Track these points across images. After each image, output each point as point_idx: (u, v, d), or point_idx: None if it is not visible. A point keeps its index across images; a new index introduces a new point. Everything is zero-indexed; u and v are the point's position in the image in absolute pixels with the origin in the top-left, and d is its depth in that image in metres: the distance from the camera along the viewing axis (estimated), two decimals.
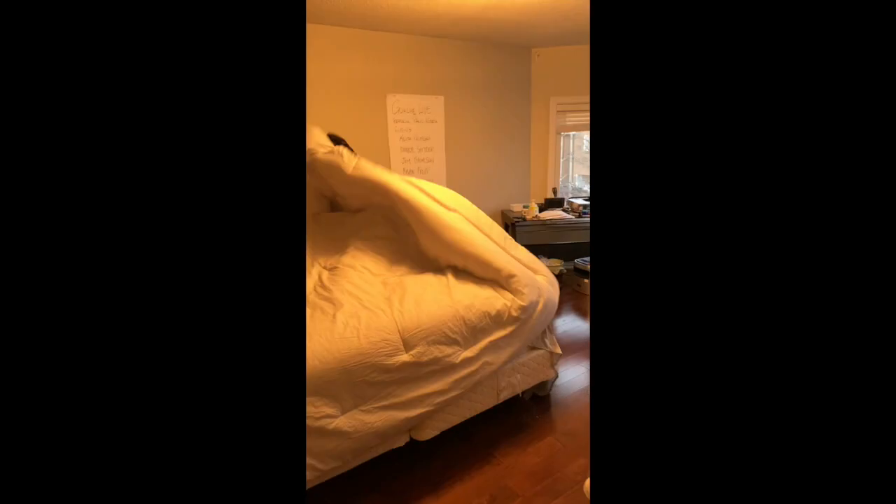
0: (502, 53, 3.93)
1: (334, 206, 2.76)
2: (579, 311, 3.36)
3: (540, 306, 1.86)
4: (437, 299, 1.73)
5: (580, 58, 3.96)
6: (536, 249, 4.17)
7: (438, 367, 1.65)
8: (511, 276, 1.82)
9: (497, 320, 1.78)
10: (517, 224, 3.78)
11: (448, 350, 1.67)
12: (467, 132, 3.89)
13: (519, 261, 1.92)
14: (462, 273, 1.94)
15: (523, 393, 2.09)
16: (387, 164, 3.51)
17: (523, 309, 1.80)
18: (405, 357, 1.57)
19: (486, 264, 1.84)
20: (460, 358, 1.70)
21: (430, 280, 1.89)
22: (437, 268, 2.01)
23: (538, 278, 1.92)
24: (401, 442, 1.66)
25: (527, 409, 2.10)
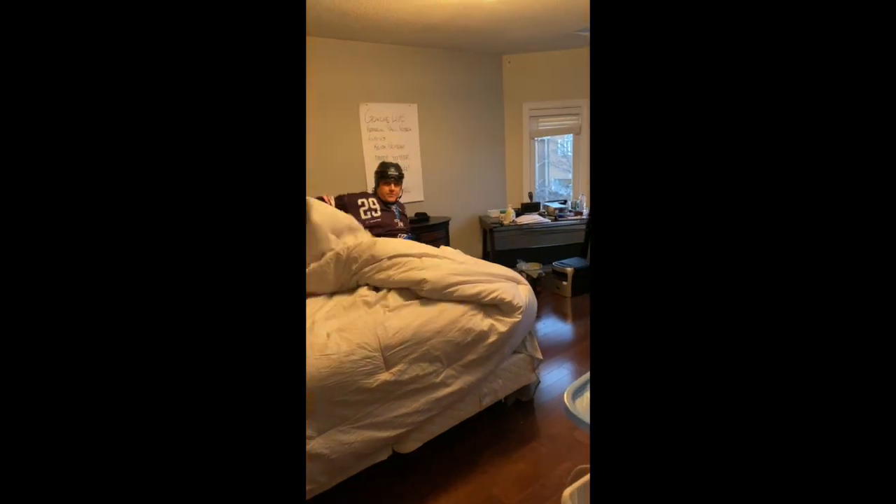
0: (473, 61, 3.96)
1: None
2: (559, 314, 3.38)
3: (522, 318, 1.84)
4: (421, 315, 1.68)
5: (550, 63, 4.02)
6: (514, 254, 4.21)
7: (420, 386, 1.61)
8: (492, 292, 1.79)
9: (482, 337, 1.75)
10: (495, 229, 3.79)
11: (430, 368, 1.64)
12: (442, 139, 3.89)
13: (496, 275, 1.91)
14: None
15: (506, 398, 2.07)
16: (361, 173, 3.49)
17: (509, 326, 1.78)
18: (386, 375, 1.53)
19: (469, 296, 1.78)
20: (441, 377, 1.66)
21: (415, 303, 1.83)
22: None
23: (520, 288, 1.92)
24: (383, 456, 1.63)
25: (510, 415, 2.09)
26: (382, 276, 1.84)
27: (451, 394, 1.68)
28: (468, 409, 1.84)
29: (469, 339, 1.71)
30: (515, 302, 1.81)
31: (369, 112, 3.45)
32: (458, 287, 1.74)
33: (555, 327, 3.13)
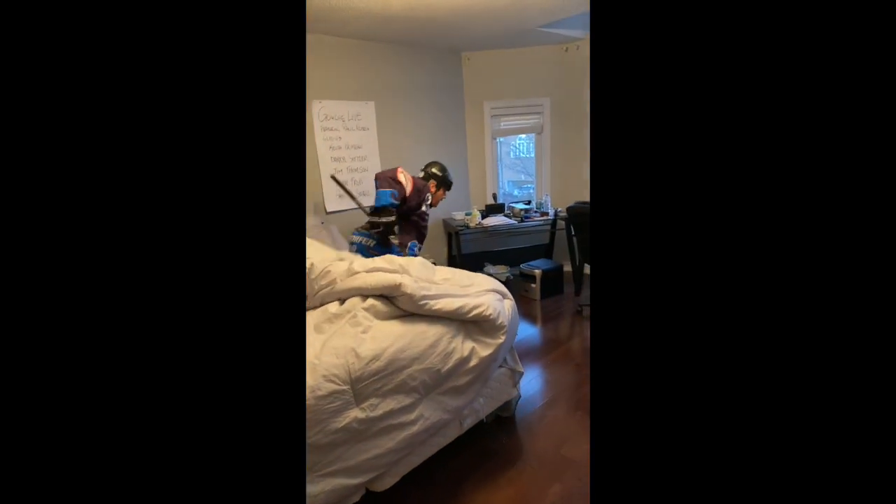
0: (433, 57, 3.79)
1: None
2: (529, 317, 3.28)
3: (505, 339, 1.68)
4: (399, 337, 1.47)
5: (511, 61, 3.93)
6: (481, 257, 4.08)
7: (395, 422, 1.40)
8: (475, 308, 1.60)
9: (463, 362, 1.57)
10: (461, 232, 3.64)
11: (406, 400, 1.43)
12: (402, 139, 3.69)
13: (480, 288, 1.73)
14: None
15: (486, 417, 1.91)
16: (314, 175, 3.23)
17: (492, 349, 1.61)
18: (356, 412, 1.32)
19: (451, 312, 1.58)
20: (418, 410, 1.47)
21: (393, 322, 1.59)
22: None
23: (506, 304, 1.75)
24: (355, 498, 1.42)
25: (492, 434, 1.93)
26: (357, 282, 1.60)
27: (431, 427, 1.50)
28: (449, 435, 1.66)
29: (450, 365, 1.52)
30: (500, 320, 1.64)
31: (323, 110, 3.20)
32: (439, 300, 1.55)
33: (526, 332, 3.01)
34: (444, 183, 2.77)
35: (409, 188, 2.50)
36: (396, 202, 2.45)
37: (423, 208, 2.59)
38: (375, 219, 2.52)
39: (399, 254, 2.49)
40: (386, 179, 2.46)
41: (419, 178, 2.69)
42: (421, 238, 2.61)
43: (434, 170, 2.76)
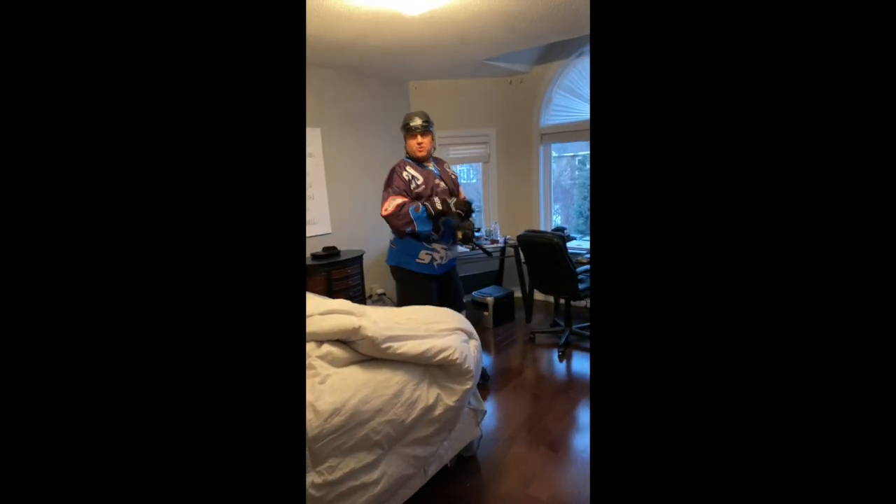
0: (380, 85, 3.76)
1: None
2: (484, 346, 3.24)
3: (471, 385, 1.62)
4: (361, 387, 1.36)
5: (458, 92, 3.99)
6: None
7: (356, 484, 1.28)
8: (442, 351, 1.52)
9: (427, 411, 1.49)
10: None
11: (368, 458, 1.32)
12: (349, 167, 3.60)
13: (445, 327, 1.66)
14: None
15: (450, 462, 1.83)
16: None
17: (458, 396, 1.55)
18: (313, 476, 1.19)
19: (415, 356, 1.50)
20: (380, 467, 1.36)
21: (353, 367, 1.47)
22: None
23: (472, 344, 1.69)
24: None
25: (454, 477, 1.84)
26: (312, 327, 1.46)
27: (395, 484, 1.39)
28: (413, 486, 1.56)
29: (414, 414, 1.43)
30: (466, 364, 1.57)
31: None
32: (404, 342, 1.47)
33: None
34: (406, 130, 2.34)
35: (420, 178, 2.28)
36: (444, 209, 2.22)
37: (413, 188, 2.27)
38: (469, 232, 2.35)
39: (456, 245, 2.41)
40: (440, 194, 2.28)
41: (403, 161, 2.35)
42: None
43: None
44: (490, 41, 2.93)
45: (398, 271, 2.38)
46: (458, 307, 2.41)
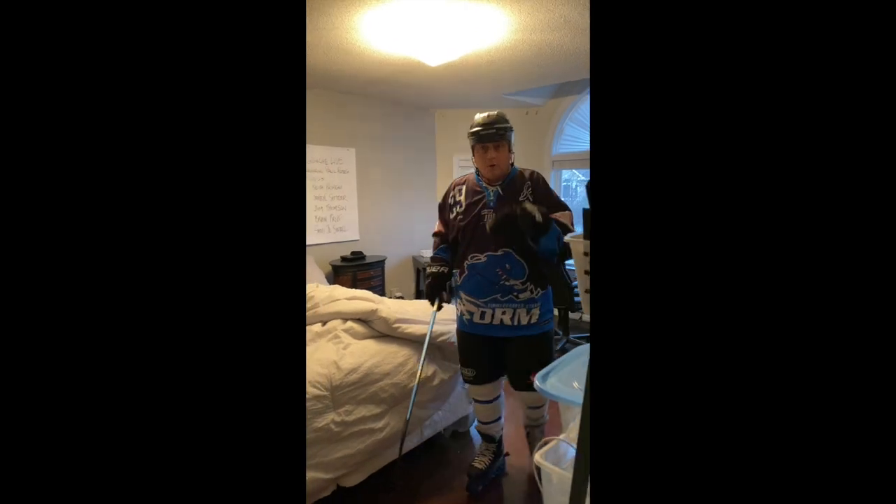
0: (409, 112, 4.25)
1: None
2: None
3: None
4: (374, 354, 1.76)
5: None
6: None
7: (365, 428, 1.67)
8: (441, 335, 1.87)
9: (426, 381, 1.85)
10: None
11: (376, 409, 1.71)
12: (378, 183, 4.08)
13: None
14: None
15: (444, 429, 2.19)
16: None
17: (453, 372, 1.92)
18: (333, 415, 1.58)
19: (420, 336, 1.85)
20: (385, 418, 1.74)
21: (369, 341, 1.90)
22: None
23: None
24: (327, 492, 1.65)
25: (448, 446, 2.20)
26: (337, 307, 1.90)
27: (396, 434, 1.77)
28: (411, 441, 1.93)
29: (415, 382, 1.81)
30: None
31: (309, 153, 3.55)
32: (412, 324, 1.87)
33: None
34: (475, 139, 1.60)
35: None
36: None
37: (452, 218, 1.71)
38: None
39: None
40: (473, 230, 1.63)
41: (463, 177, 1.75)
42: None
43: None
44: (505, 82, 3.37)
45: None
46: (514, 382, 1.74)
